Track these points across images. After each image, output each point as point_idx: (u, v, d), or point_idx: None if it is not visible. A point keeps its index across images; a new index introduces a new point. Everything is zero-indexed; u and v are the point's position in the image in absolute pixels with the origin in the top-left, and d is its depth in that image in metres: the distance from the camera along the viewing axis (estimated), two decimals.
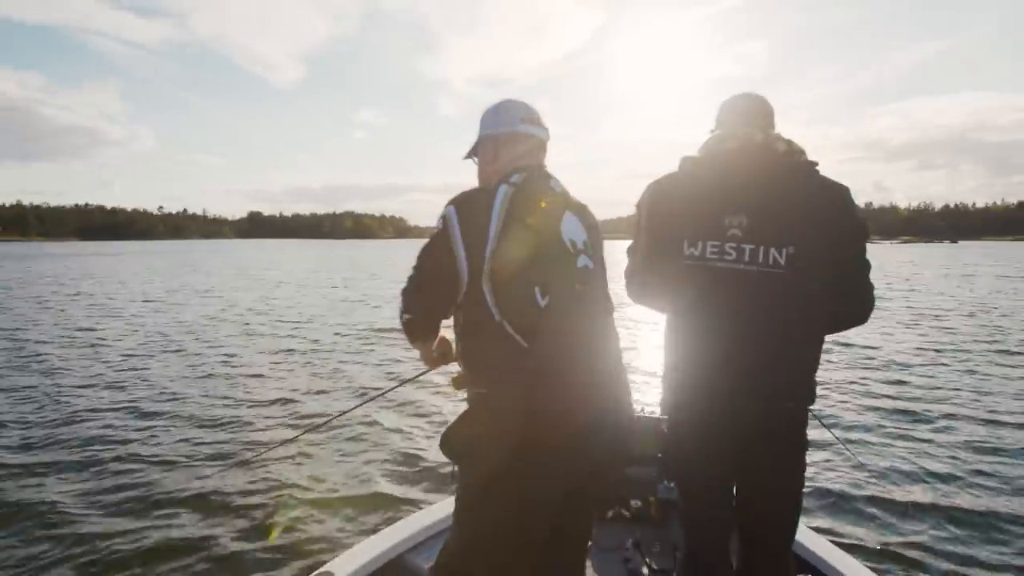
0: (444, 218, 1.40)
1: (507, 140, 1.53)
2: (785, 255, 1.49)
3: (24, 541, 3.42)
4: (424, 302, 1.43)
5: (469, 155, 1.63)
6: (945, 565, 3.24)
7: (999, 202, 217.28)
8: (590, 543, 1.63)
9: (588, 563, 1.65)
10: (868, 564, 2.25)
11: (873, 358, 8.48)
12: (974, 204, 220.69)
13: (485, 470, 1.34)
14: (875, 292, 1.63)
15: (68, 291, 19.55)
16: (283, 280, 25.24)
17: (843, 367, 7.82)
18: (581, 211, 1.52)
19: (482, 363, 1.40)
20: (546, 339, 1.32)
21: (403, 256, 55.45)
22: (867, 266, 1.60)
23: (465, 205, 1.40)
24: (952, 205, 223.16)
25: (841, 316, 1.63)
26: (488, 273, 1.33)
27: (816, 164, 1.58)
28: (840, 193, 1.55)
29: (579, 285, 1.41)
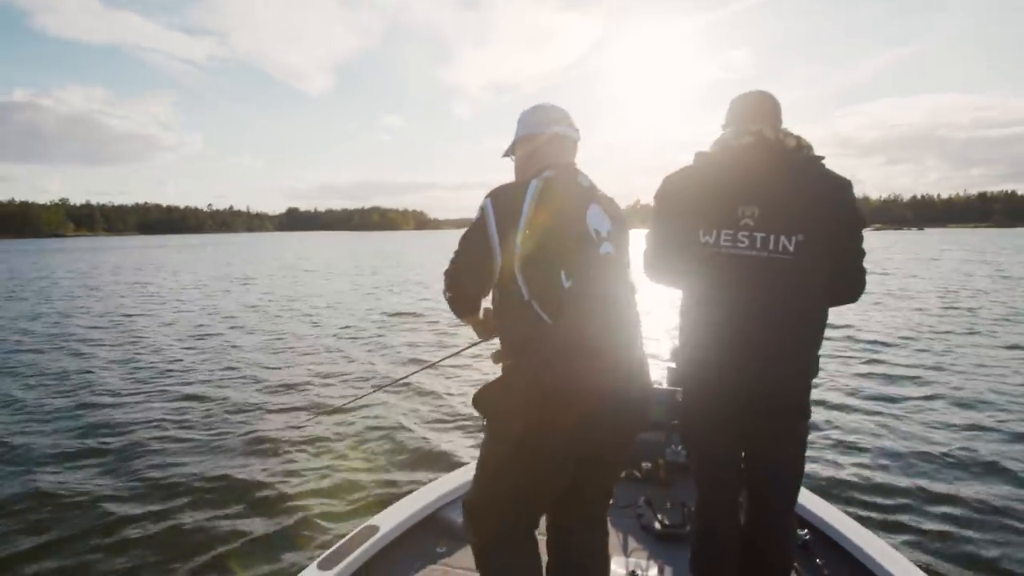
0: (482, 208, 1.39)
1: (540, 140, 1.53)
2: (794, 242, 1.45)
3: (55, 520, 3.31)
4: (463, 283, 1.44)
5: (507, 153, 1.62)
6: (924, 522, 3.20)
7: (960, 193, 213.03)
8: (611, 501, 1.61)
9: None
10: (860, 520, 2.21)
11: (851, 337, 8.35)
12: (938, 195, 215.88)
13: (503, 447, 1.35)
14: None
15: (126, 279, 19.78)
16: (319, 268, 25.37)
17: (827, 347, 7.71)
18: (608, 204, 1.50)
19: (514, 337, 1.39)
20: (570, 317, 1.31)
21: (423, 245, 55.60)
22: (863, 254, 1.57)
23: (500, 197, 1.40)
24: (918, 196, 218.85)
25: (837, 296, 1.59)
26: (519, 257, 1.33)
27: (823, 158, 1.54)
28: (844, 186, 1.51)
29: (601, 269, 1.39)
